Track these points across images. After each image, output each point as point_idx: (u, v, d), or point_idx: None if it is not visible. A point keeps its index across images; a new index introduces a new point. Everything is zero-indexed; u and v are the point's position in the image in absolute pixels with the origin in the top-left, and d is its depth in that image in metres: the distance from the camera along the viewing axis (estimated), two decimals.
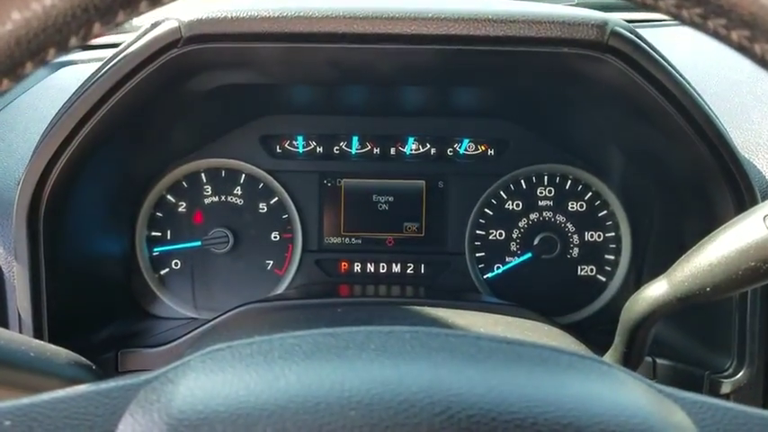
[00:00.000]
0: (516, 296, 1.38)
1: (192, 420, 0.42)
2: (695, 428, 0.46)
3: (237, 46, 1.03)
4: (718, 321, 1.12)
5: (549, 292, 1.49)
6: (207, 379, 0.46)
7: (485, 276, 1.51)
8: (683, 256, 0.87)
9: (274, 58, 1.10)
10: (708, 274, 0.82)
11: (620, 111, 1.19)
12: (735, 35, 0.41)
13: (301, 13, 1.00)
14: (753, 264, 0.77)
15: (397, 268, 1.53)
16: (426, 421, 0.41)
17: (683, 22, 0.42)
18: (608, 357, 0.99)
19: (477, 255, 1.51)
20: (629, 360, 0.96)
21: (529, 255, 1.50)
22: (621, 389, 0.48)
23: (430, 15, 1.00)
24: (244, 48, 1.04)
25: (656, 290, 0.89)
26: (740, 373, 1.08)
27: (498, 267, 1.51)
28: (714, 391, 1.09)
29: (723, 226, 0.83)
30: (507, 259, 1.51)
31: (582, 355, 0.52)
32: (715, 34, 0.42)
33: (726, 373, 1.09)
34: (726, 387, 1.08)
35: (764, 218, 0.77)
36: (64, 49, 0.40)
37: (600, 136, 1.40)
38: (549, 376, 0.48)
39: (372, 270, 1.53)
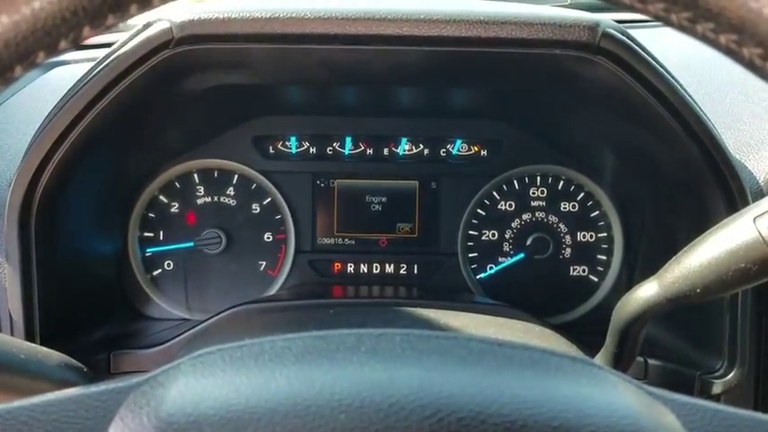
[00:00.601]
0: (509, 296, 1.38)
1: (182, 424, 0.42)
2: (684, 431, 0.46)
3: (230, 47, 1.03)
4: (710, 322, 1.13)
5: (542, 292, 1.49)
6: (197, 382, 0.46)
7: (478, 277, 1.51)
8: (674, 258, 0.87)
9: (267, 59, 1.09)
10: (698, 275, 0.82)
11: (612, 112, 1.19)
12: (723, 39, 0.41)
13: (293, 15, 1.00)
14: (743, 265, 0.78)
15: (390, 269, 1.53)
16: (416, 424, 0.41)
17: (672, 25, 0.42)
18: (599, 358, 0.99)
19: (470, 255, 1.51)
20: (621, 360, 0.96)
21: (521, 255, 1.50)
22: (611, 391, 0.48)
23: (422, 17, 1.00)
24: (236, 49, 1.04)
25: (647, 291, 0.89)
26: (731, 374, 1.08)
27: (491, 268, 1.51)
28: (705, 391, 1.09)
29: (714, 227, 0.83)
30: (500, 260, 1.51)
31: (572, 357, 0.52)
32: (703, 38, 0.42)
33: (717, 374, 1.10)
34: (717, 387, 1.09)
35: (755, 219, 0.77)
36: (53, 52, 0.40)
37: (592, 137, 1.40)
38: (539, 378, 0.48)
39: (365, 270, 1.52)
